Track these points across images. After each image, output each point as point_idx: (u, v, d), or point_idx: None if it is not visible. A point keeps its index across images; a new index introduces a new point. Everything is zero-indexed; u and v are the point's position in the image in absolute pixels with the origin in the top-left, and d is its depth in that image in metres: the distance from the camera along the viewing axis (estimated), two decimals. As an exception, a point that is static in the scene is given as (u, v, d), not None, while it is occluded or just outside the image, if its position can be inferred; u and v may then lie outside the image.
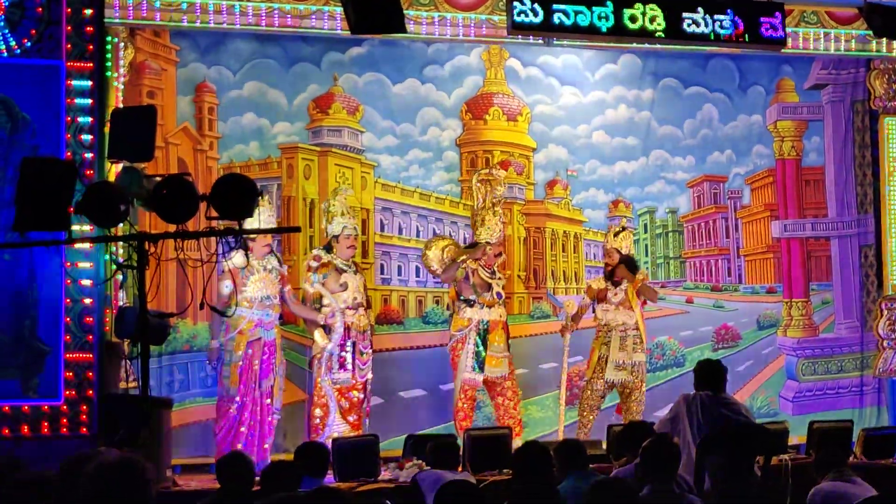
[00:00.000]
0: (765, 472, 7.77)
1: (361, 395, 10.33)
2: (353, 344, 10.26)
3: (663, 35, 10.30)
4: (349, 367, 10.20)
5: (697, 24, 10.44)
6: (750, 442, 7.69)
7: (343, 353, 10.19)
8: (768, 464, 7.82)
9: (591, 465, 7.74)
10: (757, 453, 7.72)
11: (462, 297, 10.70)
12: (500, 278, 10.77)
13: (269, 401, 9.89)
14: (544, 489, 5.77)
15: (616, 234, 11.12)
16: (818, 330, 12.79)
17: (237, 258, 9.58)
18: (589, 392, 10.89)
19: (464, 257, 10.69)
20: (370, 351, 10.43)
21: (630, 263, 11.07)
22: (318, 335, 10.17)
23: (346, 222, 10.35)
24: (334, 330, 10.17)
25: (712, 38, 10.51)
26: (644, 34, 10.30)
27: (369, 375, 10.38)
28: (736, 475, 7.34)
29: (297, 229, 11.12)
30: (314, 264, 10.29)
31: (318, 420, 10.08)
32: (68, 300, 9.41)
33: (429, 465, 7.71)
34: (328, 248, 10.37)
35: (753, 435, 7.77)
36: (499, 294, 10.66)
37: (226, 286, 9.81)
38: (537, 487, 5.77)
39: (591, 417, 10.85)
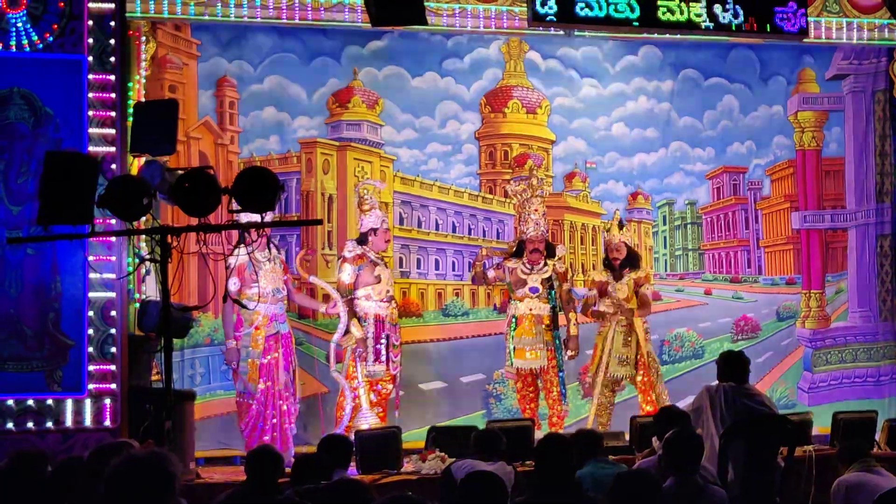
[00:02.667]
0: (788, 462, 7.76)
1: (390, 387, 10.40)
2: (387, 337, 10.32)
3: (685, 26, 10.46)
4: (383, 359, 10.26)
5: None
6: (772, 432, 7.69)
7: (378, 346, 10.25)
8: (792, 454, 7.81)
9: (612, 457, 7.77)
10: (780, 444, 7.72)
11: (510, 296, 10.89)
12: (543, 272, 10.71)
13: (288, 392, 9.94)
14: (565, 481, 5.77)
15: (621, 227, 11.08)
16: (830, 320, 12.76)
17: (240, 254, 9.59)
18: (599, 389, 10.85)
19: (473, 262, 10.93)
20: (400, 343, 10.49)
21: (634, 257, 11.06)
22: (354, 327, 10.22)
23: (383, 216, 10.42)
24: (341, 320, 10.20)
25: (734, 28, 10.57)
26: (667, 25, 10.40)
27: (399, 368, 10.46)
28: (759, 466, 7.35)
29: (319, 222, 11.16)
30: (349, 255, 10.33)
31: (345, 411, 10.13)
32: (91, 294, 9.44)
33: (472, 454, 7.68)
34: (361, 241, 10.41)
35: (776, 426, 7.77)
36: (532, 289, 10.65)
37: (233, 283, 9.82)
38: (558, 479, 5.77)
39: (607, 414, 10.81)
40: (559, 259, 10.84)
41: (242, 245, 9.66)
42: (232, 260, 9.58)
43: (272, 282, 9.96)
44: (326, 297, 10.52)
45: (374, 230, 10.37)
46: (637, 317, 10.86)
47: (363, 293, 10.33)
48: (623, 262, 10.92)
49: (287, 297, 10.19)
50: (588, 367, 11.11)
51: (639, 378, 10.81)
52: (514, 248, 10.85)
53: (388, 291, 10.40)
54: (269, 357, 9.86)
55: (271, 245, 10.09)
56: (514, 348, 10.62)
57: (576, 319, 10.86)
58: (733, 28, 10.65)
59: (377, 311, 10.33)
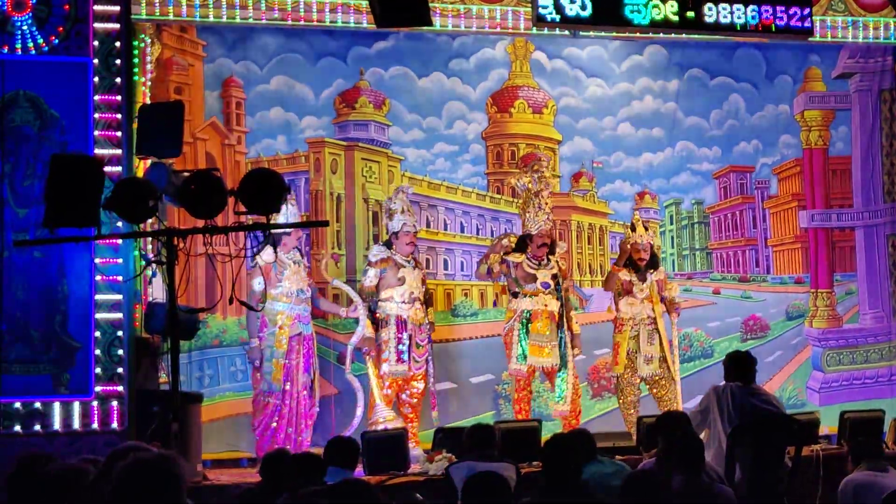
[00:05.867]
0: (796, 462, 7.74)
1: (421, 386, 10.42)
2: (410, 337, 10.34)
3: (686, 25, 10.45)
4: (405, 359, 10.28)
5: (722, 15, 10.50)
6: (780, 432, 7.68)
7: (400, 346, 10.28)
8: (799, 454, 7.79)
9: (619, 457, 7.76)
10: (787, 444, 7.70)
11: (509, 291, 10.73)
12: (550, 268, 10.65)
13: (305, 392, 9.96)
14: (572, 481, 5.77)
15: (647, 228, 11.03)
16: (842, 320, 12.72)
17: (266, 254, 9.64)
18: (628, 389, 10.82)
19: (487, 253, 10.75)
20: (427, 343, 10.50)
21: (654, 258, 11.05)
22: (366, 327, 10.25)
23: (406, 219, 10.42)
24: (360, 323, 10.25)
25: (738, 28, 10.54)
26: (666, 24, 10.39)
27: (430, 368, 10.47)
28: (766, 465, 7.34)
29: (326, 223, 11.15)
30: (374, 259, 10.37)
31: (359, 412, 10.18)
32: (98, 296, 9.46)
33: (464, 451, 7.67)
34: (388, 244, 10.44)
35: (783, 425, 7.76)
36: (544, 284, 10.58)
37: (258, 283, 9.86)
38: (565, 480, 5.77)
39: (635, 413, 10.69)
40: (560, 255, 10.83)
41: (268, 246, 9.70)
42: (259, 260, 9.61)
43: (296, 283, 10.01)
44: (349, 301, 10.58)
45: (396, 234, 10.41)
46: (668, 316, 10.88)
47: (386, 295, 10.37)
48: (647, 262, 10.91)
49: (311, 301, 10.22)
50: (611, 365, 11.08)
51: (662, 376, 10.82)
52: (515, 243, 10.75)
53: (411, 293, 10.41)
54: (291, 357, 9.88)
55: (298, 249, 10.16)
56: (531, 345, 10.51)
57: (576, 318, 10.84)
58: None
59: (399, 312, 10.36)
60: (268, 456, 6.63)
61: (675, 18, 10.49)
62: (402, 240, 10.43)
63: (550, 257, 10.65)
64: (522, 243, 10.65)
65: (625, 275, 10.94)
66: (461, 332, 11.73)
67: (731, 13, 10.56)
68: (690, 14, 10.46)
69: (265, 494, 6.30)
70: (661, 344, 10.82)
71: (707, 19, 10.57)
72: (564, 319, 10.64)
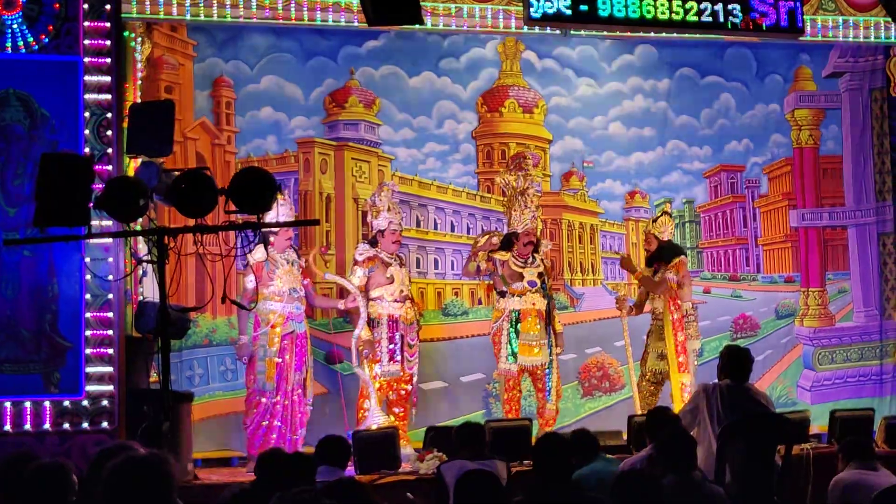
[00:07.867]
0: (786, 461, 7.75)
1: (409, 388, 10.39)
2: (402, 336, 10.31)
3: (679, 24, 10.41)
4: (398, 359, 10.25)
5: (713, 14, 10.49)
6: (770, 431, 7.68)
7: (392, 346, 10.25)
8: (790, 453, 7.80)
9: (609, 456, 7.77)
10: (777, 443, 7.70)
11: (496, 289, 10.69)
12: (536, 266, 10.64)
13: (299, 391, 9.94)
14: (564, 480, 5.78)
15: (655, 220, 11.03)
16: (834, 319, 12.74)
17: (258, 253, 9.62)
18: (643, 384, 10.81)
19: (476, 251, 10.71)
20: (417, 342, 10.48)
21: (667, 251, 10.95)
22: (363, 329, 10.21)
23: (392, 217, 10.39)
24: (360, 317, 10.20)
25: (729, 27, 10.54)
26: (659, 24, 10.37)
27: (416, 367, 10.44)
28: (755, 464, 7.34)
29: (316, 222, 11.12)
30: (360, 258, 10.34)
31: (364, 411, 10.13)
32: (88, 295, 9.43)
33: (455, 450, 7.67)
34: (373, 243, 10.41)
35: (773, 424, 7.75)
36: (531, 282, 10.55)
37: (249, 281, 9.85)
38: (557, 478, 5.78)
39: (648, 406, 10.60)
40: (545, 254, 10.83)
41: (259, 245, 9.69)
42: (251, 259, 9.60)
43: (289, 282, 9.98)
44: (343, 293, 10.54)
45: (382, 231, 10.38)
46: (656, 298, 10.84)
47: (376, 294, 10.33)
48: (653, 255, 10.89)
49: (306, 300, 10.19)
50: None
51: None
52: (501, 241, 10.73)
53: (401, 291, 10.39)
54: (284, 356, 9.87)
55: (293, 248, 10.15)
56: (521, 344, 10.49)
57: (559, 317, 10.84)
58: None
59: (391, 311, 10.32)
60: (263, 455, 6.62)
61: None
62: (388, 238, 10.40)
63: (536, 255, 10.65)
64: (508, 241, 10.64)
65: (644, 272, 10.97)
66: (451, 331, 11.73)
67: (715, 12, 10.56)
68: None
69: (259, 493, 6.29)
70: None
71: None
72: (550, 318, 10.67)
